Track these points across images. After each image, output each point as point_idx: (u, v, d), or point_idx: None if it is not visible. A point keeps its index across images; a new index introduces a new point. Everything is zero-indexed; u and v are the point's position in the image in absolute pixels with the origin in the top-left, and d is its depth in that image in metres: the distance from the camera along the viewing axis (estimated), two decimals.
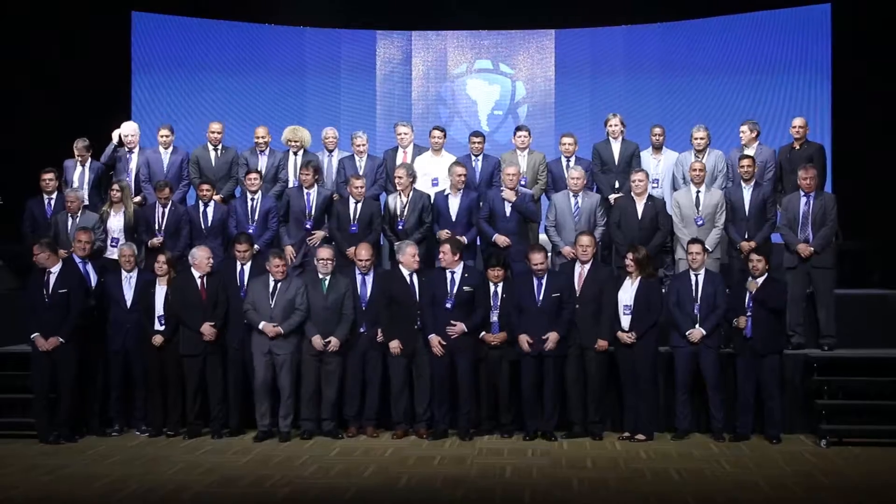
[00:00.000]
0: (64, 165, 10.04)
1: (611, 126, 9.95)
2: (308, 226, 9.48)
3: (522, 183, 9.64)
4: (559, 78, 13.94)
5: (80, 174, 10.00)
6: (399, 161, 9.93)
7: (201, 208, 9.56)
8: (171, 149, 10.14)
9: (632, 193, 9.27)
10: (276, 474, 7.34)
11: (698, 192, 9.24)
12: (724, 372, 8.51)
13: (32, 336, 8.44)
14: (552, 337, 8.38)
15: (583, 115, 13.40)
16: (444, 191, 9.46)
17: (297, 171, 9.82)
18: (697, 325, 8.39)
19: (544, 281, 8.47)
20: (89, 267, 8.87)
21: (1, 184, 10.00)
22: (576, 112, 13.58)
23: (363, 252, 8.74)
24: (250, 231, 9.27)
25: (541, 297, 8.44)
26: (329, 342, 8.55)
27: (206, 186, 9.59)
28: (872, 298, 9.95)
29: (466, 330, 8.48)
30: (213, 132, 10.15)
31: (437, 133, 9.99)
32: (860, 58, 12.10)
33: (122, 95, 12.99)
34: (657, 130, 9.97)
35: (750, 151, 9.60)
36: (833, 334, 8.99)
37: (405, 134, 10.08)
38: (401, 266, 8.74)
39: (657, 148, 9.97)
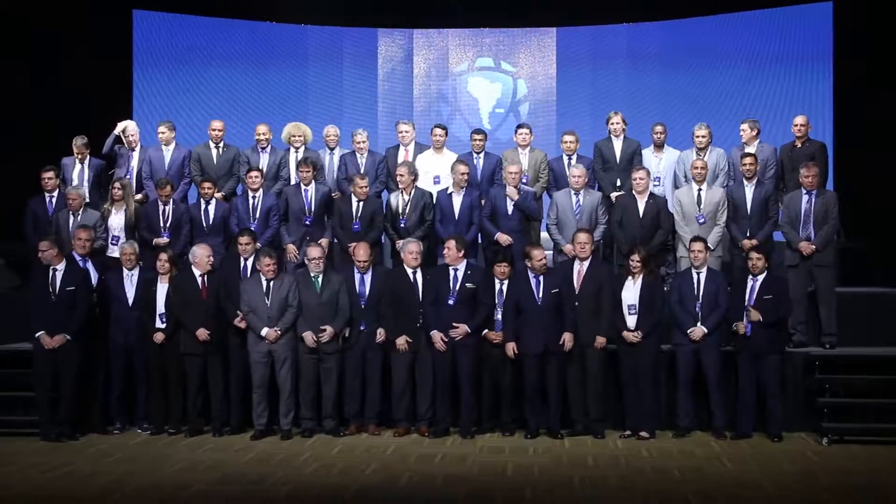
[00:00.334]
0: (62, 163, 10.02)
1: (612, 124, 9.94)
2: (307, 223, 9.47)
3: (524, 181, 9.64)
4: (560, 76, 13.93)
5: (80, 172, 9.99)
6: (400, 159, 9.92)
7: (202, 206, 9.56)
8: (172, 146, 10.13)
9: (633, 191, 9.26)
10: (277, 472, 7.35)
11: (700, 190, 9.23)
12: (725, 370, 8.51)
13: (38, 334, 8.43)
14: (568, 338, 8.39)
15: (584, 113, 13.38)
16: (447, 189, 9.46)
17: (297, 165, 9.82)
18: (699, 324, 8.39)
19: (542, 279, 8.47)
20: (90, 265, 8.87)
21: (1, 183, 9.98)
22: (577, 110, 13.57)
23: (361, 252, 8.74)
24: (252, 229, 9.26)
25: (541, 296, 8.44)
26: (324, 331, 8.54)
27: (207, 184, 9.59)
28: (874, 296, 9.95)
29: (469, 331, 8.48)
30: (214, 130, 10.14)
31: (438, 131, 9.99)
32: (862, 56, 12.08)
33: (123, 93, 12.98)
34: (658, 128, 9.96)
35: (751, 150, 9.59)
36: (834, 332, 8.98)
37: (406, 132, 10.08)
38: (404, 264, 8.75)
39: (659, 146, 9.96)
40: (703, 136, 9.66)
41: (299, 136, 10.08)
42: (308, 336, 8.55)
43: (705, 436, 8.44)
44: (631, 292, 8.46)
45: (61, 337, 8.45)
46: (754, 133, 9.77)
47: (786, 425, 8.45)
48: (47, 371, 8.48)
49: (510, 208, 9.29)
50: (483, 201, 9.44)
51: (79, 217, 9.42)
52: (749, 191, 9.18)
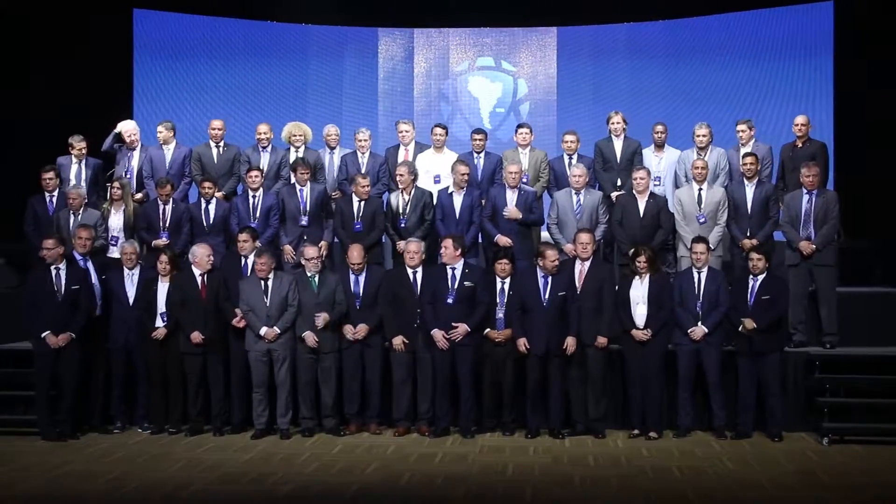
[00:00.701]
0: (58, 163, 10.00)
1: (613, 124, 9.94)
2: (303, 223, 9.47)
3: (524, 180, 9.64)
4: (561, 75, 13.91)
5: (77, 172, 9.99)
6: (401, 158, 9.93)
7: (203, 205, 9.56)
8: (173, 145, 10.13)
9: (633, 191, 9.27)
10: (277, 472, 7.35)
11: (700, 189, 9.23)
12: (725, 370, 8.51)
13: (44, 335, 8.42)
14: (571, 342, 8.39)
15: (585, 112, 13.37)
16: (447, 188, 9.47)
17: (290, 167, 9.81)
18: (700, 323, 8.39)
19: (550, 280, 8.47)
20: (90, 264, 8.86)
21: (1, 182, 9.98)
22: (578, 110, 13.56)
23: (354, 255, 8.73)
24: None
25: (547, 296, 8.44)
26: (318, 317, 8.54)
27: (208, 184, 9.58)
28: (874, 296, 9.95)
29: (469, 330, 8.48)
30: (214, 129, 10.14)
31: (438, 130, 9.99)
32: (863, 56, 12.08)
33: (123, 93, 12.97)
34: (659, 128, 9.96)
35: (747, 149, 9.59)
36: (835, 332, 8.98)
37: (407, 131, 10.08)
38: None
39: (659, 145, 9.96)
40: (703, 136, 9.66)
41: (300, 135, 10.09)
42: (309, 336, 8.54)
43: (706, 435, 8.44)
44: (640, 290, 8.46)
45: (66, 336, 8.45)
46: (751, 133, 9.78)
47: (786, 425, 8.45)
48: (48, 370, 8.48)
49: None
50: (483, 201, 9.44)
51: (79, 216, 9.42)
52: (749, 190, 9.18)
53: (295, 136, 10.08)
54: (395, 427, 8.67)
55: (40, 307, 8.47)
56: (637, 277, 8.51)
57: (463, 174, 9.31)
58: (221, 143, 10.15)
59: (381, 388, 8.75)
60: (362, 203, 9.34)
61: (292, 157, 10.01)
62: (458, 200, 9.35)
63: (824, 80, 12.69)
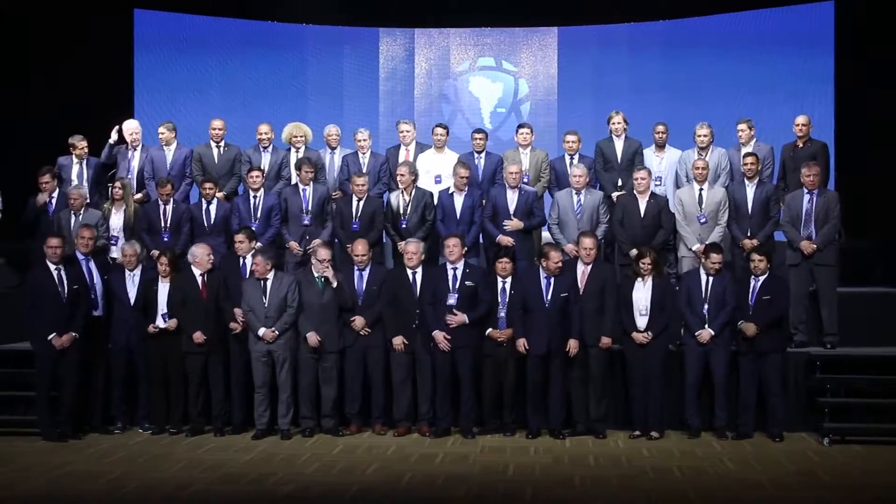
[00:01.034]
0: (59, 163, 10.00)
1: (614, 124, 9.94)
2: (305, 223, 9.47)
3: (525, 181, 9.64)
4: (562, 75, 13.92)
5: (79, 172, 9.99)
6: (401, 158, 9.93)
7: (204, 206, 9.56)
8: (174, 146, 10.14)
9: (634, 191, 9.27)
10: (278, 472, 7.35)
11: (701, 189, 9.23)
12: (728, 370, 8.49)
13: (50, 336, 8.40)
14: (573, 343, 8.39)
15: (586, 112, 13.35)
16: (448, 189, 9.47)
17: (295, 167, 9.81)
18: (707, 326, 8.39)
19: (553, 281, 8.46)
20: (92, 264, 8.86)
21: (2, 182, 9.98)
22: (578, 110, 13.54)
23: (360, 247, 8.74)
24: (253, 228, 9.27)
25: (549, 298, 8.43)
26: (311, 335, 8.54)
27: (209, 184, 9.59)
28: (875, 296, 9.94)
29: (467, 321, 8.46)
30: (214, 129, 10.14)
31: (439, 130, 9.99)
32: (863, 56, 12.07)
33: (123, 93, 12.97)
34: (660, 128, 9.96)
35: (748, 149, 9.59)
36: (836, 332, 8.97)
37: (407, 131, 10.08)
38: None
39: (660, 146, 9.96)
40: (704, 136, 9.66)
41: (300, 136, 10.09)
42: (312, 336, 8.54)
43: (707, 435, 8.42)
44: (642, 293, 8.45)
45: (70, 336, 8.44)
46: (751, 133, 9.78)
47: (787, 425, 8.45)
48: (49, 371, 8.47)
49: (512, 208, 9.30)
50: (484, 201, 9.44)
51: (80, 216, 9.42)
52: (750, 190, 9.18)
53: (295, 136, 10.09)
54: (395, 427, 8.67)
55: (42, 308, 8.45)
56: (640, 279, 8.50)
57: (462, 177, 9.31)
58: (222, 144, 10.16)
59: (383, 388, 8.74)
60: (361, 203, 9.35)
61: (293, 158, 10.02)
62: (458, 201, 9.35)
63: (825, 79, 12.68)
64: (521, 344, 8.40)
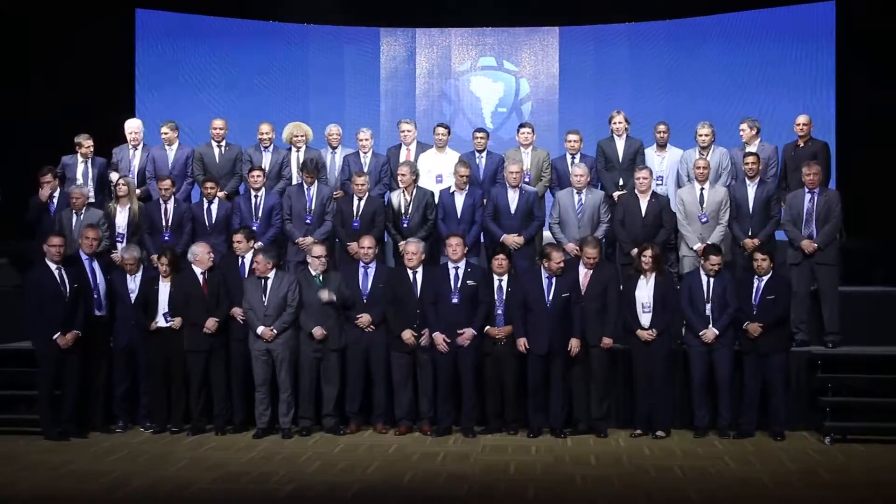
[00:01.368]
0: (63, 162, 10.02)
1: (615, 123, 9.94)
2: (308, 221, 9.47)
3: (526, 180, 9.65)
4: (563, 75, 13.92)
5: (84, 171, 10.00)
6: (402, 158, 9.94)
7: (205, 205, 9.57)
8: (175, 145, 10.15)
9: (636, 191, 9.27)
10: (279, 471, 7.35)
11: (702, 189, 9.23)
12: (731, 369, 8.50)
13: (55, 336, 8.40)
14: (574, 343, 8.39)
15: (587, 112, 13.35)
16: (449, 188, 9.47)
17: (299, 167, 9.82)
18: (710, 326, 8.39)
19: (554, 281, 8.46)
20: (95, 264, 8.86)
21: (4, 182, 9.99)
22: (580, 109, 13.54)
23: (366, 241, 8.76)
24: (254, 228, 9.30)
25: (550, 298, 8.43)
26: (324, 291, 8.55)
27: (210, 184, 9.60)
28: (876, 295, 9.94)
29: (475, 333, 8.47)
30: (215, 129, 10.15)
31: (441, 130, 9.99)
32: (865, 55, 12.07)
33: (125, 92, 12.98)
34: (661, 127, 9.96)
35: (752, 149, 9.59)
36: (837, 331, 8.98)
37: (408, 131, 10.09)
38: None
39: (661, 145, 9.96)
40: (705, 135, 9.66)
41: (301, 135, 10.09)
42: (318, 330, 8.54)
43: (709, 434, 8.41)
44: (644, 291, 8.46)
45: (74, 334, 8.45)
46: (754, 132, 9.78)
47: (788, 424, 8.45)
48: (52, 370, 8.47)
49: (513, 208, 9.31)
50: (485, 201, 9.45)
51: (81, 216, 9.43)
52: (751, 190, 9.18)
53: (296, 136, 10.09)
54: (396, 426, 8.67)
55: (45, 307, 8.43)
56: (642, 278, 8.50)
57: (462, 175, 9.31)
58: (223, 143, 10.17)
59: (384, 387, 8.75)
60: (361, 202, 9.35)
61: (293, 157, 10.03)
62: (459, 200, 9.36)
63: (826, 79, 12.69)
64: (522, 344, 8.40)
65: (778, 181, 9.72)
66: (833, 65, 12.65)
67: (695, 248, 9.08)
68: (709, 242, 8.90)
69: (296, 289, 8.64)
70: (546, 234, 9.76)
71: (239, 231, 9.01)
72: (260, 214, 9.48)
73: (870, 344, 9.05)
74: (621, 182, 9.75)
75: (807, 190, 9.01)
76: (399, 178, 9.45)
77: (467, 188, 9.36)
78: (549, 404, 8.51)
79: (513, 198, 9.36)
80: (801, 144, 9.70)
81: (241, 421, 8.75)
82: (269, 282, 8.61)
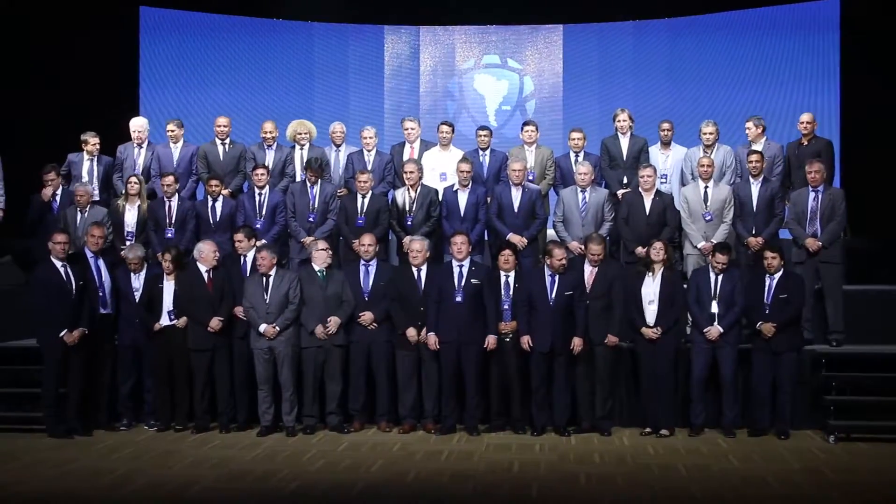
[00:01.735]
0: (69, 160, 10.04)
1: (619, 121, 9.93)
2: (311, 219, 9.47)
3: (530, 178, 9.64)
4: (567, 73, 13.90)
5: (90, 168, 10.01)
6: (406, 156, 9.94)
7: (210, 203, 9.57)
8: (180, 143, 10.16)
9: (640, 189, 9.26)
10: (283, 469, 7.36)
11: (706, 187, 9.22)
12: (736, 368, 8.49)
13: (62, 333, 8.41)
14: (578, 342, 8.39)
15: (591, 110, 13.36)
16: (452, 186, 9.47)
17: (304, 166, 9.83)
18: (715, 323, 8.38)
19: (557, 278, 8.46)
20: (101, 262, 8.86)
21: (7, 181, 9.99)
22: (584, 107, 13.54)
23: (366, 238, 8.76)
24: (258, 226, 9.32)
25: (553, 296, 8.43)
26: (329, 321, 8.55)
27: (214, 182, 9.60)
28: (881, 294, 9.92)
29: (496, 338, 8.47)
30: (219, 126, 10.15)
31: (444, 128, 9.99)
32: (869, 53, 12.06)
33: (129, 91, 12.99)
34: (665, 126, 9.94)
35: (757, 147, 9.58)
36: (841, 330, 8.97)
37: (412, 129, 10.08)
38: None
39: (665, 143, 9.94)
40: (710, 134, 9.66)
41: (304, 133, 10.09)
42: (319, 329, 8.55)
43: (712, 433, 8.43)
44: (651, 288, 8.45)
45: (80, 331, 8.46)
46: (759, 130, 9.76)
47: (793, 423, 8.44)
48: (57, 368, 8.47)
49: (516, 205, 9.30)
50: (489, 198, 9.44)
51: (86, 214, 9.43)
52: (755, 188, 9.17)
53: (299, 133, 10.09)
54: (400, 424, 8.67)
55: (51, 304, 8.43)
56: (648, 275, 8.49)
57: (463, 171, 9.31)
58: (227, 141, 10.17)
59: (388, 385, 8.75)
60: (365, 199, 9.35)
61: (297, 155, 10.04)
62: (462, 198, 9.36)
63: (830, 78, 12.67)
64: (526, 341, 8.40)
65: (782, 179, 9.71)
66: (838, 62, 12.63)
67: (699, 246, 9.08)
68: (714, 241, 8.89)
69: (297, 286, 8.64)
70: (550, 232, 9.76)
71: (240, 230, 9.01)
72: (264, 212, 9.48)
73: (874, 342, 9.04)
74: (625, 180, 9.74)
75: (811, 188, 9.00)
76: (405, 176, 9.43)
77: (470, 185, 9.36)
78: (552, 403, 8.50)
79: (516, 196, 9.36)
80: (805, 143, 9.68)
81: (245, 419, 8.76)
82: (271, 279, 8.61)
